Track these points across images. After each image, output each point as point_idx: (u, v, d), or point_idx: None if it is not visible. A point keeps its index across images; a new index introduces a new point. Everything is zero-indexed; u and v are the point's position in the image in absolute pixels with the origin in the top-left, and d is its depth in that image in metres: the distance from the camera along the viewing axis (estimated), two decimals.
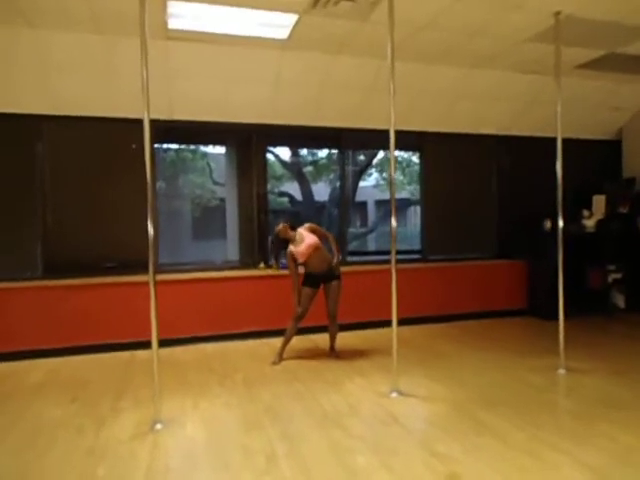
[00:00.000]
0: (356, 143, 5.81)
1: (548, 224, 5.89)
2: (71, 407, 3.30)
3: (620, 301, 6.07)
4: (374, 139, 5.90)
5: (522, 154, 6.19)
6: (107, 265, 4.85)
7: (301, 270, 4.33)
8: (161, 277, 4.81)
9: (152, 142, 4.78)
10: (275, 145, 6.57)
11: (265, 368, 4.11)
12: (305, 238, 4.23)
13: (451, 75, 5.15)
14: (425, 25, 4.06)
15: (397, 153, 12.81)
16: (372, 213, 17.40)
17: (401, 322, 5.66)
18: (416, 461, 2.45)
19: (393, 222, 3.42)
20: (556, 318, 5.81)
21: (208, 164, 9.80)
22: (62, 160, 4.73)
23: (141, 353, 4.51)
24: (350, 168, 6.14)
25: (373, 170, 12.26)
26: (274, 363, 4.20)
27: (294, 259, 4.23)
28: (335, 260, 4.32)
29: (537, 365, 4.03)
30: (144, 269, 5.05)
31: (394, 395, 3.39)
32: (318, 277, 4.27)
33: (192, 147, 9.95)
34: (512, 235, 6.17)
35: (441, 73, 5.07)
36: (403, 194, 14.20)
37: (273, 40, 4.23)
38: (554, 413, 3.08)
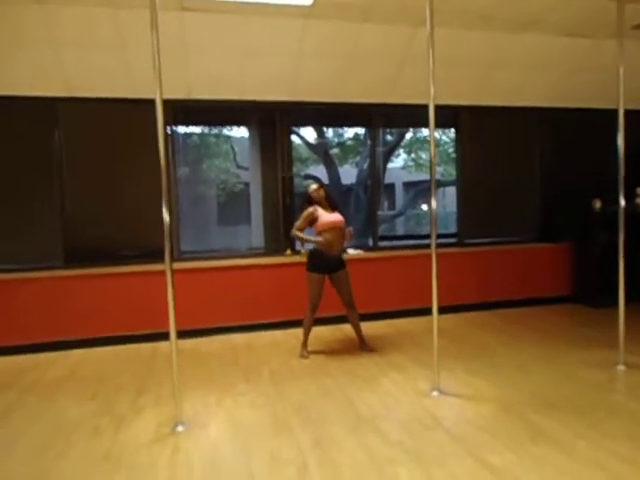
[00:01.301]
0: (387, 120, 5.42)
1: (598, 204, 5.42)
2: (90, 405, 3.12)
3: None
4: (407, 115, 5.54)
5: (566, 128, 5.68)
6: (128, 253, 4.66)
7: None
8: (183, 265, 4.62)
9: (166, 123, 4.55)
10: (300, 125, 6.24)
11: (293, 361, 3.87)
12: (335, 213, 3.98)
13: (490, 41, 4.68)
14: None
15: (427, 131, 12.31)
16: (400, 195, 16.93)
17: (418, 311, 5.38)
18: (466, 475, 2.15)
19: (433, 203, 3.08)
20: (606, 305, 5.43)
21: (232, 147, 9.56)
22: (79, 145, 4.53)
23: (164, 345, 4.31)
24: (380, 148, 5.77)
25: (401, 151, 11.82)
26: (302, 356, 3.94)
27: (311, 220, 3.91)
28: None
29: (592, 360, 3.65)
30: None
31: (435, 394, 3.08)
32: (327, 261, 3.90)
33: (215, 131, 9.73)
34: (556, 216, 5.71)
35: (479, 39, 4.61)
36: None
37: (295, 7, 3.87)
38: (619, 417, 2.71)
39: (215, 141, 9.78)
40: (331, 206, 4.01)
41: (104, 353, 4.29)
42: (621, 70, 3.45)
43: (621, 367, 3.46)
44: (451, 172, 12.77)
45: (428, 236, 6.49)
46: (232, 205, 9.92)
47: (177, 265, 4.58)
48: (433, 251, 3.11)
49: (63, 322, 4.42)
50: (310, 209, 3.93)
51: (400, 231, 13.25)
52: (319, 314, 4.04)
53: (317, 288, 3.91)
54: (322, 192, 4.01)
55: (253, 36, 4.15)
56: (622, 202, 3.53)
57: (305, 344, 4.02)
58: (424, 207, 13.13)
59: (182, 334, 4.55)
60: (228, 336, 4.67)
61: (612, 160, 5.81)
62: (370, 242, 5.50)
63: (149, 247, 4.55)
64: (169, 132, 4.69)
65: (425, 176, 13.52)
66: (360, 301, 4.21)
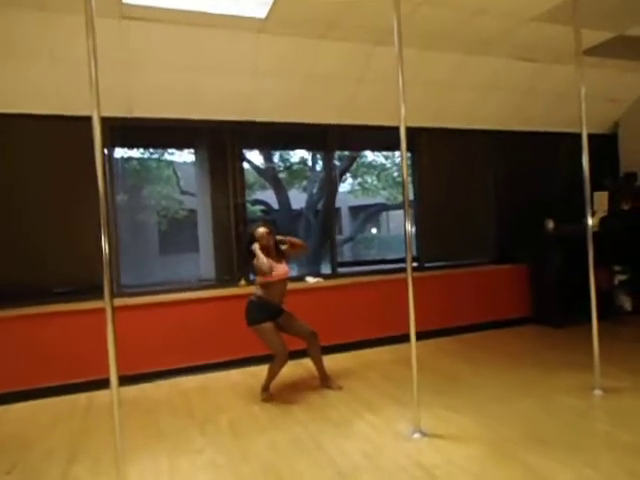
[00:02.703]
0: (342, 142, 5.23)
1: (550, 224, 5.47)
2: None
3: (627, 303, 5.69)
4: (362, 137, 5.38)
5: (519, 150, 5.76)
6: (60, 290, 4.08)
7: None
8: (124, 301, 4.11)
9: (104, 144, 4.11)
10: (252, 147, 5.91)
11: (254, 407, 3.45)
12: (283, 263, 3.63)
13: (446, 62, 4.66)
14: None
15: (374, 156, 12.38)
16: (347, 220, 16.91)
17: (398, 339, 5.20)
18: None
19: (407, 226, 2.85)
20: (565, 325, 5.44)
21: (175, 172, 9.06)
22: (5, 168, 3.95)
23: (102, 394, 3.75)
24: (336, 171, 5.56)
25: (348, 175, 11.78)
26: (264, 400, 3.54)
27: (263, 271, 3.49)
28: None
29: (567, 385, 3.52)
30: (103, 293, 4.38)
31: (417, 436, 2.79)
32: (271, 307, 3.57)
33: (156, 155, 9.21)
34: (512, 237, 5.72)
35: (435, 60, 4.56)
36: (378, 199, 13.78)
37: (248, 19, 3.61)
38: (614, 451, 2.54)
39: (156, 165, 9.25)
40: (278, 254, 3.64)
41: (29, 409, 3.65)
42: (582, 91, 3.45)
43: (598, 392, 3.34)
44: (396, 196, 12.91)
45: (387, 261, 6.40)
46: (176, 233, 9.36)
47: (117, 301, 4.06)
48: (409, 275, 2.87)
49: None
50: (263, 264, 3.47)
51: (348, 256, 13.12)
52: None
53: (277, 337, 3.50)
54: (271, 239, 3.59)
55: (203, 50, 3.84)
56: (590, 221, 3.50)
57: (267, 388, 3.62)
58: (374, 231, 13.14)
59: (123, 380, 4.00)
60: (177, 380, 4.15)
61: (562, 181, 6.02)
62: (328, 269, 5.23)
63: (84, 282, 4.01)
64: (106, 154, 4.22)
65: (371, 200, 13.59)
66: (321, 333, 3.90)
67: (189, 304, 4.35)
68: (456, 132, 5.45)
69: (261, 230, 3.57)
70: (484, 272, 5.58)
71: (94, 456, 2.77)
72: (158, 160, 9.18)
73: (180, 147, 5.96)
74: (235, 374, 4.25)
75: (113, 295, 4.01)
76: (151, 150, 8.53)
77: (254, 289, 3.68)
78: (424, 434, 2.80)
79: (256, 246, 3.51)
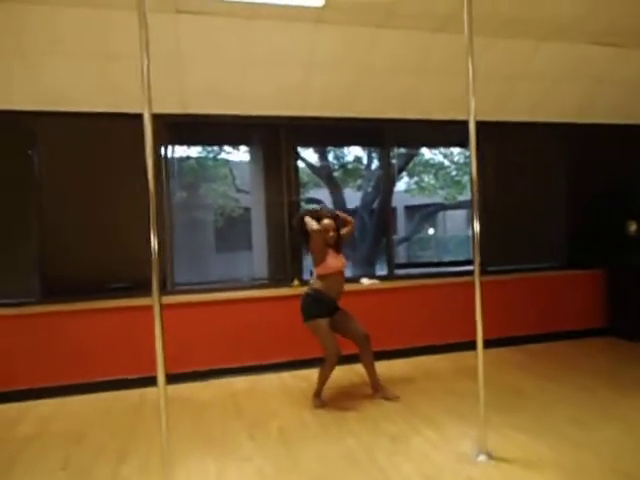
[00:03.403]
0: (402, 138, 4.98)
1: (633, 226, 4.97)
2: (61, 476, 2.55)
3: None
4: (423, 133, 5.11)
5: (593, 145, 5.26)
6: (116, 286, 4.13)
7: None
8: (177, 299, 4.10)
9: (159, 142, 4.13)
10: (306, 144, 5.78)
11: (305, 413, 3.30)
12: (341, 256, 3.51)
13: (516, 50, 4.30)
14: None
15: (431, 155, 11.99)
16: (402, 220, 16.51)
17: (457, 347, 4.90)
18: None
19: (476, 227, 2.60)
20: None
21: (230, 171, 9.12)
22: (59, 166, 4.03)
23: (153, 392, 3.73)
24: (393, 169, 5.31)
25: (404, 173, 11.46)
26: (316, 407, 3.38)
27: (324, 239, 3.37)
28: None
29: None
30: (162, 289, 4.39)
31: (482, 459, 2.53)
32: (327, 302, 3.42)
33: (212, 154, 9.32)
34: (586, 240, 5.24)
35: (503, 48, 4.22)
36: (435, 199, 13.32)
37: (305, 8, 3.47)
38: None
39: (213, 164, 9.36)
40: (337, 249, 3.50)
41: (82, 403, 3.71)
42: None
43: None
44: (454, 195, 12.43)
45: (445, 263, 6.08)
46: (231, 231, 9.43)
47: (170, 299, 4.07)
48: (477, 280, 2.63)
49: (37, 366, 3.85)
50: (321, 244, 3.37)
51: (403, 257, 12.78)
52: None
53: (331, 335, 3.35)
54: (335, 235, 3.45)
55: (257, 43, 3.74)
56: None
57: (319, 394, 3.47)
58: (430, 231, 12.73)
59: (174, 378, 3.98)
60: (227, 380, 4.09)
61: None
62: (384, 270, 5.00)
63: (140, 278, 4.02)
64: (162, 152, 4.23)
65: (428, 200, 13.16)
66: (375, 337, 3.70)
67: (241, 303, 4.28)
68: (523, 125, 5.04)
69: (327, 221, 3.43)
70: (553, 277, 5.14)
71: (143, 456, 2.73)
72: (214, 159, 9.27)
73: (234, 144, 5.93)
74: (286, 377, 4.13)
75: (164, 292, 4.02)
76: (208, 149, 8.63)
77: (311, 282, 3.55)
78: (490, 456, 2.54)
79: (308, 218, 3.38)
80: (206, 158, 9.24)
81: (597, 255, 5.19)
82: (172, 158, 8.03)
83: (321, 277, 3.43)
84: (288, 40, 3.76)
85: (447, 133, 5.08)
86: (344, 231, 3.61)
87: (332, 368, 3.37)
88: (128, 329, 4.00)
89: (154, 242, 2.21)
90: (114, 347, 3.99)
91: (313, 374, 3.89)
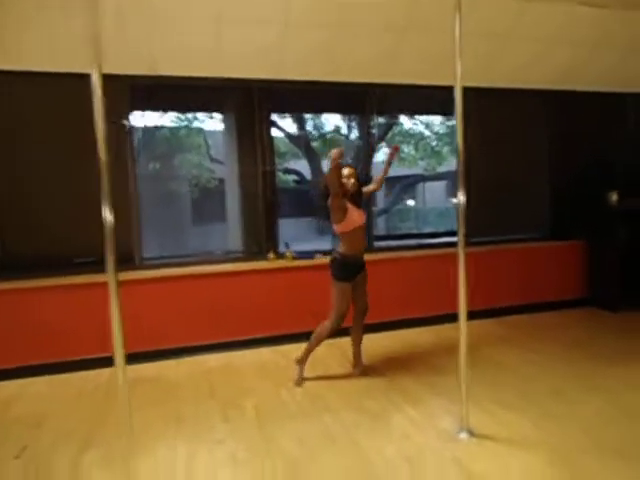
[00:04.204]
0: (383, 104, 4.74)
1: (614, 197, 4.89)
2: (13, 465, 2.37)
3: None
4: (405, 99, 4.88)
5: (578, 114, 5.13)
6: (81, 260, 3.89)
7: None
8: (146, 274, 3.89)
9: (119, 104, 3.80)
10: (283, 110, 5.50)
11: (282, 391, 3.17)
12: (361, 210, 3.25)
13: (502, 10, 4.06)
14: None
15: (411, 125, 11.76)
16: (381, 191, 16.34)
17: (439, 319, 4.82)
18: None
19: (461, 197, 2.44)
20: (625, 309, 4.92)
21: (205, 140, 8.78)
22: (14, 128, 3.72)
23: (129, 370, 3.55)
24: (374, 137, 5.10)
25: (383, 143, 11.25)
26: (297, 384, 3.26)
27: (341, 207, 3.07)
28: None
29: (631, 379, 3.08)
30: (129, 263, 4.16)
31: (464, 436, 2.45)
32: (356, 265, 3.25)
33: (185, 123, 8.94)
34: (568, 211, 5.16)
35: (488, 7, 3.98)
36: (414, 170, 13.15)
37: None
38: None
39: (187, 133, 8.98)
40: (357, 202, 3.24)
41: (47, 385, 3.48)
42: None
43: None
44: (434, 166, 12.28)
45: (425, 235, 5.96)
46: (206, 203, 9.15)
47: (138, 274, 3.86)
48: (461, 250, 2.49)
49: None
50: (341, 203, 3.05)
51: (382, 229, 12.68)
52: (308, 327, 3.39)
53: (348, 299, 3.22)
54: (355, 183, 3.19)
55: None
56: None
57: (304, 361, 3.34)
58: (411, 203, 12.63)
59: (144, 356, 3.82)
60: (201, 357, 3.93)
61: (629, 149, 5.39)
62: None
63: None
64: (126, 120, 3.92)
65: (408, 171, 12.99)
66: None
67: (215, 277, 4.09)
68: (508, 92, 4.86)
69: (346, 171, 3.16)
70: (535, 249, 5.07)
71: (109, 442, 2.55)
72: (188, 128, 8.89)
73: (207, 110, 5.59)
74: (264, 352, 3.99)
75: (132, 267, 3.80)
76: (182, 117, 8.24)
77: (337, 245, 3.27)
78: (472, 434, 2.45)
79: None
80: (179, 127, 8.87)
81: (579, 226, 5.12)
82: (143, 127, 7.65)
83: (344, 235, 3.17)
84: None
85: (430, 100, 4.88)
86: (370, 187, 3.47)
87: (331, 332, 3.24)
88: (94, 306, 3.76)
89: (107, 215, 1.98)
90: (80, 325, 3.77)
91: (292, 350, 3.78)
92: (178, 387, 3.32)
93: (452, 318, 4.37)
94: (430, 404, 2.86)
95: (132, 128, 4.07)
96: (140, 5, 3.33)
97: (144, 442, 2.49)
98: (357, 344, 3.44)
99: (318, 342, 3.30)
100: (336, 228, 3.16)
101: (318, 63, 4.10)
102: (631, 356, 3.52)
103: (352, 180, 3.17)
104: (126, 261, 3.89)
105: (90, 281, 3.75)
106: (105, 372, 3.62)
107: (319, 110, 6.20)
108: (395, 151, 3.54)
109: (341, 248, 3.20)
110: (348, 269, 3.20)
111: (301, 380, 3.29)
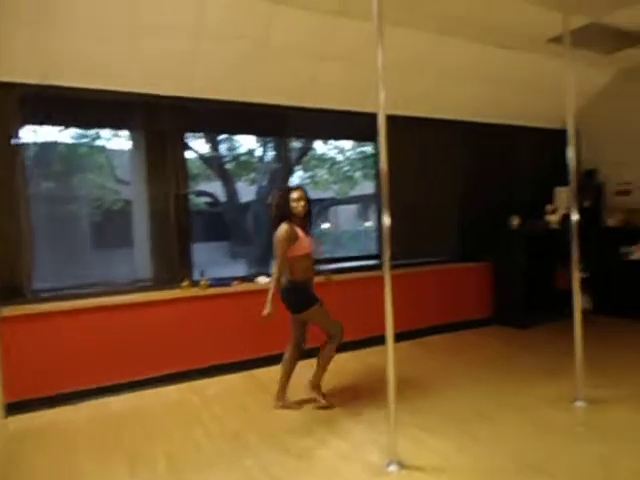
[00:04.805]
0: (302, 128, 4.71)
1: (515, 221, 5.25)
2: None
3: (587, 303, 5.59)
4: (324, 124, 4.87)
5: (485, 144, 5.52)
6: None
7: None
8: (38, 308, 3.42)
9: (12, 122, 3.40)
10: (197, 129, 5.26)
11: (197, 433, 2.89)
12: (308, 235, 3.18)
13: (416, 42, 4.24)
14: None
15: (324, 149, 12.00)
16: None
17: (357, 344, 4.77)
18: None
19: (386, 220, 2.43)
20: (529, 326, 5.25)
21: (108, 159, 8.19)
22: None
23: (14, 420, 3.05)
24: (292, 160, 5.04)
25: (299, 167, 11.33)
26: (326, 407, 3.17)
27: (291, 239, 3.02)
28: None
29: (547, 395, 3.24)
30: (17, 297, 3.60)
31: (393, 469, 2.36)
32: (311, 289, 3.17)
33: (86, 140, 8.29)
34: (477, 235, 5.44)
35: (404, 38, 4.14)
36: (329, 193, 13.39)
37: None
38: (613, 477, 2.24)
39: (89, 151, 8.32)
40: (306, 225, 3.16)
41: None
42: (572, 83, 3.21)
43: (581, 404, 3.07)
44: (346, 190, 12.59)
45: (349, 258, 5.97)
46: (111, 226, 8.49)
47: (27, 308, 3.39)
48: (387, 274, 2.50)
49: None
50: (286, 227, 3.01)
51: None
52: (222, 359, 3.19)
53: (328, 313, 3.17)
54: (306, 206, 3.12)
55: (141, 5, 3.20)
56: (575, 216, 3.25)
57: (319, 386, 3.26)
58: (325, 226, 12.77)
59: (38, 403, 3.33)
60: (104, 400, 3.50)
61: (524, 178, 5.85)
62: None
63: None
64: (16, 137, 3.48)
65: (323, 194, 13.19)
66: (273, 341, 3.40)
67: (121, 310, 3.70)
68: (422, 121, 5.07)
69: (295, 195, 3.09)
70: (447, 270, 5.27)
71: None
72: (90, 146, 8.25)
73: (113, 127, 5.16)
74: (173, 391, 3.65)
75: (22, 302, 3.33)
76: (82, 133, 7.61)
77: (283, 279, 3.12)
78: (402, 465, 2.38)
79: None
80: (79, 145, 8.20)
81: (486, 248, 5.42)
82: (38, 143, 6.95)
83: (294, 260, 3.04)
84: (174, 5, 3.28)
85: (345, 125, 4.93)
86: None
87: (337, 348, 3.21)
88: None
89: None
90: None
91: (206, 385, 3.55)
92: (77, 438, 2.90)
93: (372, 342, 4.41)
94: (357, 436, 2.76)
95: (23, 144, 3.62)
96: (37, 5, 2.99)
97: None
98: (288, 377, 3.29)
99: (326, 364, 3.24)
100: (278, 262, 3.06)
101: (232, 82, 3.97)
102: (543, 372, 3.70)
103: (302, 203, 3.09)
104: (13, 294, 3.41)
105: None
106: None
107: (235, 131, 6.03)
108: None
109: (292, 276, 3.08)
110: (307, 292, 3.10)
111: (327, 403, 3.18)
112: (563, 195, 5.65)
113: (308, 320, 3.20)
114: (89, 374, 3.54)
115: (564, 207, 5.61)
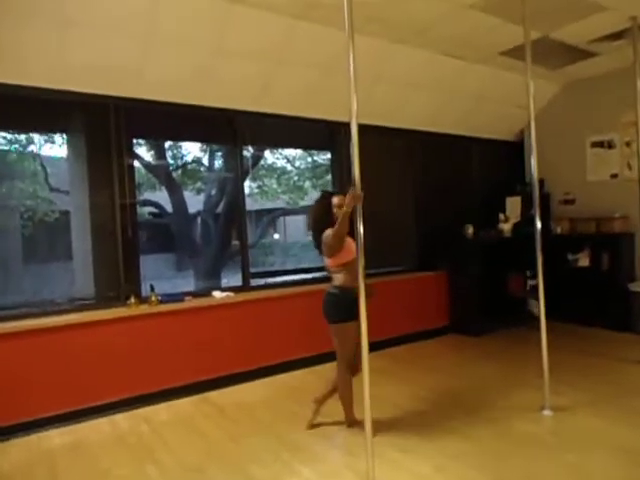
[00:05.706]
0: (255, 134, 4.50)
1: (470, 229, 5.30)
2: None
3: (537, 309, 5.71)
4: (274, 130, 4.70)
5: (440, 154, 5.56)
6: None
7: None
8: None
9: None
10: (144, 134, 4.91)
11: (148, 466, 2.60)
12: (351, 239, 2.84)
13: (370, 50, 4.17)
14: None
15: (273, 159, 11.82)
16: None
17: (318, 359, 4.58)
18: None
19: (360, 230, 2.29)
20: (484, 333, 5.28)
21: (42, 166, 7.57)
22: None
23: None
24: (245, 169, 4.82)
25: (249, 176, 11.09)
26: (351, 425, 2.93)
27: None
28: None
29: (513, 405, 3.21)
30: None
31: None
32: (356, 300, 2.68)
33: (15, 146, 7.63)
34: (434, 243, 5.44)
35: (363, 45, 4.05)
36: (279, 203, 13.23)
37: None
38: None
39: (18, 158, 7.65)
40: (348, 231, 2.85)
41: None
42: (530, 96, 3.26)
43: (548, 412, 3.06)
44: (296, 200, 12.49)
45: (304, 270, 5.79)
46: (44, 239, 7.84)
47: None
48: (361, 284, 2.32)
49: None
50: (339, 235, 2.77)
51: (250, 265, 12.35)
52: (174, 382, 2.91)
53: (351, 343, 2.81)
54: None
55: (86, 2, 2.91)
56: (538, 225, 3.28)
57: (352, 414, 2.95)
58: (276, 237, 12.59)
59: None
60: (39, 435, 3.10)
61: (477, 187, 5.94)
62: (237, 280, 4.48)
63: None
64: None
65: (271, 204, 13.00)
66: (232, 360, 3.16)
67: (57, 331, 3.31)
68: (381, 130, 5.01)
69: (336, 200, 2.94)
70: (406, 280, 5.21)
71: None
72: (19, 152, 7.60)
73: (47, 130, 4.70)
74: (121, 420, 3.30)
75: None
76: (9, 137, 6.98)
77: (332, 282, 2.89)
78: None
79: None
80: (6, 151, 7.53)
81: (442, 257, 5.42)
82: None
83: (342, 267, 2.82)
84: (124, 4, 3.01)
85: (297, 133, 4.80)
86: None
87: (351, 379, 2.91)
88: None
89: None
90: None
91: (157, 411, 3.24)
92: (7, 478, 2.52)
93: (329, 357, 4.24)
94: (328, 460, 2.58)
95: None
96: None
97: None
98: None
99: (348, 394, 2.93)
100: (332, 261, 2.85)
101: (183, 85, 3.73)
102: (504, 382, 3.69)
103: (344, 209, 2.80)
104: None
105: None
106: None
107: (183, 137, 5.72)
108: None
109: (339, 281, 2.83)
110: (352, 305, 2.62)
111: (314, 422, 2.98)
112: (514, 204, 5.79)
113: (333, 335, 2.90)
114: (20, 406, 3.13)
115: (515, 216, 5.76)
